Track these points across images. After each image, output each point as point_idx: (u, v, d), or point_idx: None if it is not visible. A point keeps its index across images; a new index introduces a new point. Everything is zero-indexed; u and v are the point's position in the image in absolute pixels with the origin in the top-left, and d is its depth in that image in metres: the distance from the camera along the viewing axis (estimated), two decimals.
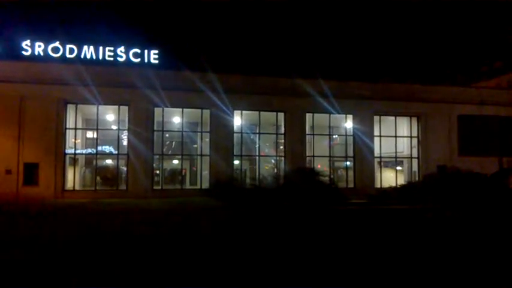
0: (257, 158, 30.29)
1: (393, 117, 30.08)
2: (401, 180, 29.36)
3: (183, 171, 30.06)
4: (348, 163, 29.98)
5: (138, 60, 26.12)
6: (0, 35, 25.53)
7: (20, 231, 11.51)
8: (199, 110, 27.58)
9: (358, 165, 29.01)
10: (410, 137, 30.56)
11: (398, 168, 31.38)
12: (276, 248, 8.95)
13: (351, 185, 28.69)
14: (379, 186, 28.66)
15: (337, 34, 39.64)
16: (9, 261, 7.60)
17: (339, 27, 39.97)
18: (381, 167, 30.49)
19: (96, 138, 27.21)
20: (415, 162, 30.53)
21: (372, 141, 29.16)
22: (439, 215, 15.05)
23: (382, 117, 29.82)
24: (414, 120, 30.54)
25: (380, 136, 29.79)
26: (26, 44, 24.97)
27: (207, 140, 28.03)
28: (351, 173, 29.63)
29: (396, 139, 30.17)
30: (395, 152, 30.23)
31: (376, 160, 29.96)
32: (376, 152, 29.68)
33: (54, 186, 24.36)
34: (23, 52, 24.94)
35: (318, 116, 28.77)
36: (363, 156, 28.86)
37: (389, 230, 11.97)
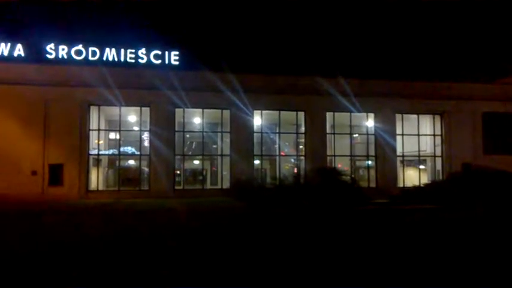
0: (277, 157, 30.21)
1: (416, 115, 29.60)
2: (425, 180, 28.88)
3: (204, 171, 30.23)
4: (370, 162, 29.61)
5: (159, 61, 26.39)
6: (25, 39, 26.06)
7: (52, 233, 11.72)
8: (220, 110, 27.70)
9: (380, 165, 28.65)
10: (434, 135, 30.00)
11: (422, 167, 30.83)
12: (298, 249, 8.87)
13: (373, 185, 28.33)
14: (401, 185, 28.22)
15: (358, 31, 39.20)
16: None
17: (359, 25, 39.53)
18: (403, 166, 30.01)
19: (119, 139, 27.60)
20: (438, 161, 29.95)
21: (394, 139, 28.76)
22: (464, 215, 14.71)
23: (404, 115, 29.34)
24: (437, 118, 29.98)
25: (402, 134, 29.32)
26: (50, 47, 25.49)
27: (227, 140, 28.11)
28: (372, 172, 29.26)
29: (419, 137, 29.69)
30: (418, 151, 29.73)
31: (399, 159, 29.52)
32: (399, 151, 29.26)
33: (78, 187, 24.82)
34: (47, 55, 25.47)
35: (338, 115, 28.53)
36: (385, 155, 28.48)
37: (413, 230, 11.74)
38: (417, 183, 26.70)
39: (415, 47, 38.16)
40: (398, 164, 29.65)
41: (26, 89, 24.37)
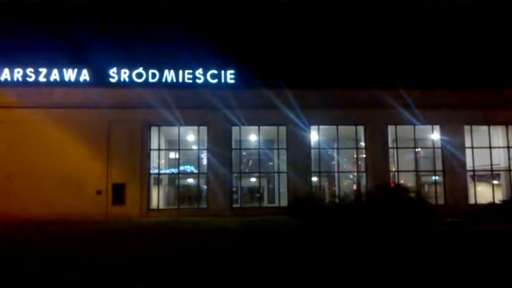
0: (336, 174, 29.24)
1: (486, 127, 27.49)
2: (499, 196, 26.58)
3: (261, 189, 29.90)
4: (437, 178, 27.77)
5: (216, 81, 26.67)
6: (89, 64, 27.34)
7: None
8: (276, 127, 27.35)
9: (448, 180, 26.76)
10: (508, 147, 27.64)
11: (495, 182, 28.42)
12: (368, 277, 8.08)
13: (441, 202, 26.50)
14: (473, 202, 26.24)
15: (419, 39, 37.54)
16: None
17: (420, 32, 37.85)
18: (474, 182, 27.81)
19: (178, 159, 28.01)
20: None
21: (463, 153, 26.82)
22: None
23: (473, 126, 27.38)
24: (511, 129, 27.66)
25: (472, 148, 27.29)
26: (112, 71, 26.58)
27: (284, 157, 27.62)
28: (439, 188, 27.41)
29: (491, 150, 27.45)
30: (491, 165, 27.44)
31: (469, 174, 27.43)
32: (469, 165, 27.21)
33: (140, 206, 25.30)
34: (110, 79, 26.54)
35: (401, 128, 27.12)
36: (453, 170, 26.57)
37: (499, 253, 10.48)
38: (491, 200, 24.63)
39: (483, 52, 35.81)
40: (469, 179, 27.54)
41: (91, 112, 25.48)
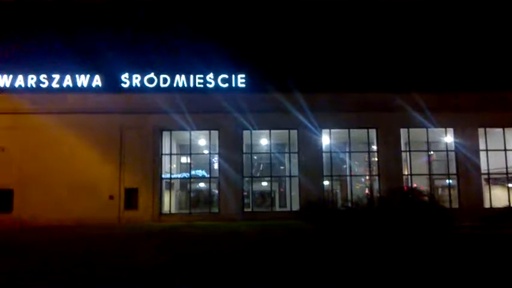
0: (348, 178, 29.02)
1: (501, 129, 27.10)
2: None
3: (272, 193, 29.78)
4: (451, 181, 27.42)
5: (226, 85, 26.74)
6: (101, 70, 27.58)
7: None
8: (287, 131, 27.28)
9: (462, 183, 26.41)
10: None
11: (510, 185, 27.97)
12: (378, 280, 7.94)
13: (455, 205, 26.14)
14: (488, 206, 25.86)
15: (432, 42, 37.21)
16: None
17: (434, 35, 37.53)
18: (489, 185, 27.41)
19: (190, 163, 28.06)
20: None
21: (477, 156, 26.47)
22: None
23: (487, 129, 27.01)
24: None
25: (486, 150, 26.91)
26: (124, 77, 26.79)
27: (295, 160, 27.53)
28: (453, 192, 27.07)
29: (506, 153, 27.04)
30: (506, 168, 27.04)
31: (483, 177, 27.03)
32: (483, 168, 26.82)
33: (152, 210, 25.39)
34: (122, 84, 26.75)
35: (413, 131, 26.84)
36: (467, 173, 26.24)
37: None
38: (507, 204, 24.24)
39: (497, 54, 35.35)
40: (483, 182, 27.15)
41: (103, 117, 25.68)
